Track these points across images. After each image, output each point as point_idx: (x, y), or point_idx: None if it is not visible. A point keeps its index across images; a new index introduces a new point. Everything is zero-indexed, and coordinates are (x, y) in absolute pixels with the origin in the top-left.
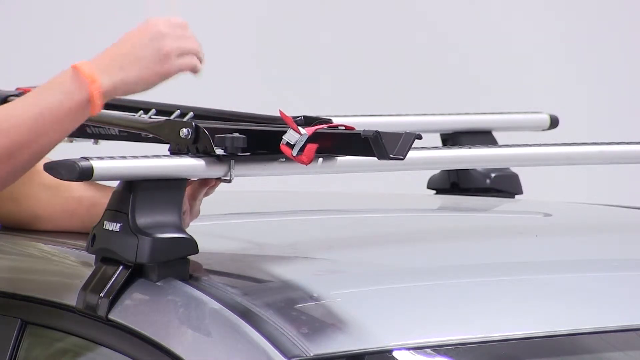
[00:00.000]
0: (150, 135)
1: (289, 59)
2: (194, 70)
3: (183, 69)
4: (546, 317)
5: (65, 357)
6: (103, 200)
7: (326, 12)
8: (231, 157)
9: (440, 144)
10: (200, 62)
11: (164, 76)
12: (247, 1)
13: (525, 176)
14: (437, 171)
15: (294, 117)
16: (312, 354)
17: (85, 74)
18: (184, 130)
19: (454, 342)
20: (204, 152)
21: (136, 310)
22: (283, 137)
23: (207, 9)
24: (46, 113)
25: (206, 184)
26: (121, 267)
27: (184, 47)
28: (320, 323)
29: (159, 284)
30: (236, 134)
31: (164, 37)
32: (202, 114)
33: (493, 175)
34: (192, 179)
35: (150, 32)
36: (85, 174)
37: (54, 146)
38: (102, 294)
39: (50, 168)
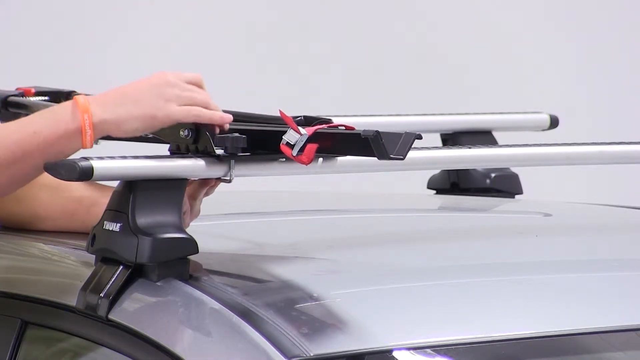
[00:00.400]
0: (150, 135)
1: (289, 59)
2: (200, 119)
3: (184, 118)
4: (546, 317)
5: (65, 357)
6: (103, 200)
7: (326, 12)
8: (231, 157)
9: (440, 144)
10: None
11: (162, 121)
12: (247, 0)
13: (525, 176)
14: (437, 171)
15: (294, 117)
16: (312, 354)
17: (79, 104)
18: (184, 130)
19: (454, 342)
20: (204, 152)
21: (136, 310)
22: (283, 137)
23: (207, 8)
24: (35, 135)
25: (206, 184)
26: (121, 267)
27: (189, 97)
28: (320, 323)
29: (159, 284)
30: (236, 134)
31: (172, 86)
32: None
33: (493, 175)
34: (192, 179)
35: (158, 80)
36: (85, 174)
37: (40, 172)
38: (102, 294)
39: (50, 168)
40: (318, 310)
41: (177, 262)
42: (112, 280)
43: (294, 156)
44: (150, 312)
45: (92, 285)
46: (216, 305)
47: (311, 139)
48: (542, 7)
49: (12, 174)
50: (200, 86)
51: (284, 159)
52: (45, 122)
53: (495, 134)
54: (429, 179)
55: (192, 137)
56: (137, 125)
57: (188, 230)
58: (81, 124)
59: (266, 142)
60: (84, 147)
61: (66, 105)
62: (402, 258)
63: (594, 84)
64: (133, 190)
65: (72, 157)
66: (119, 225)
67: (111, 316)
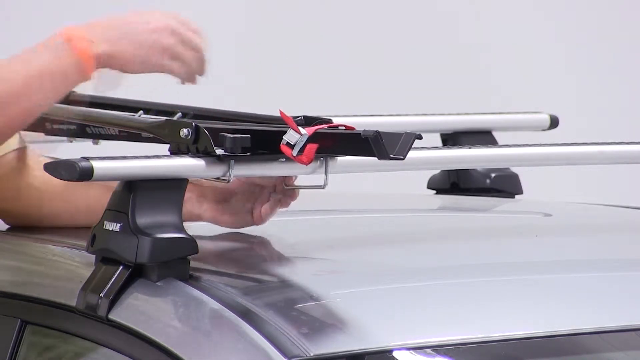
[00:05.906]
0: (150, 135)
1: (289, 58)
2: (182, 78)
3: (167, 72)
4: (546, 317)
5: (65, 357)
6: (103, 200)
7: (327, 10)
8: (231, 157)
9: (440, 144)
10: (200, 73)
11: (150, 67)
12: None
13: (525, 176)
14: (437, 171)
15: (294, 117)
16: (312, 354)
17: (63, 32)
18: (184, 130)
19: (454, 342)
20: (204, 152)
21: (136, 310)
22: (283, 137)
23: (206, 6)
24: (36, 68)
25: (280, 205)
26: (121, 267)
27: (181, 52)
28: (320, 323)
29: (159, 284)
30: (238, 135)
31: (170, 33)
32: (202, 114)
33: (493, 175)
34: (193, 179)
35: (159, 25)
36: (85, 174)
37: (48, 102)
38: (102, 294)
39: (50, 168)
40: (318, 310)
41: (177, 262)
42: (112, 280)
43: (294, 156)
44: (150, 312)
45: (92, 285)
46: (216, 305)
47: (311, 139)
48: (543, 7)
49: (22, 108)
50: (198, 37)
51: (284, 159)
52: (41, 54)
53: (495, 134)
54: (429, 179)
55: (192, 137)
56: (129, 46)
57: (188, 230)
58: (78, 53)
59: (266, 142)
60: (85, 66)
61: (55, 37)
62: (402, 258)
63: (594, 84)
64: (133, 190)
65: (72, 157)
66: (119, 225)
67: (111, 316)
